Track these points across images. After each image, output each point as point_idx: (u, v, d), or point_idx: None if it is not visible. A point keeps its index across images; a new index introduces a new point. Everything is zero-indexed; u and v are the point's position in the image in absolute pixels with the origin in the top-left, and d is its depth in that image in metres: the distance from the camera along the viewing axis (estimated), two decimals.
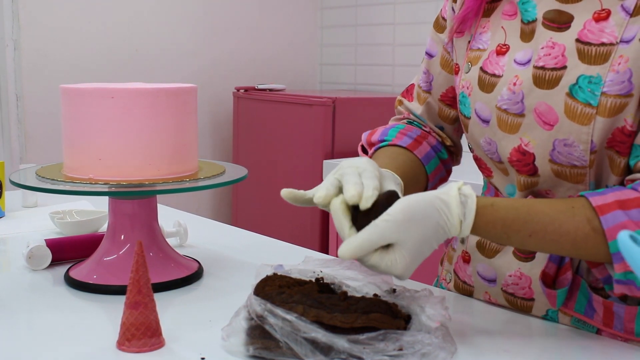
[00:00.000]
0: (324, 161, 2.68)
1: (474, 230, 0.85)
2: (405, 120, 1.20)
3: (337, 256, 0.87)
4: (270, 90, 3.20)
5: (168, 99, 1.09)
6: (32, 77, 2.84)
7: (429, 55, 1.15)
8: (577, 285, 0.96)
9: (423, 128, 1.17)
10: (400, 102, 1.22)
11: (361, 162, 0.89)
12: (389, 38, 3.26)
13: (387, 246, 0.81)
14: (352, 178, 0.85)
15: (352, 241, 0.81)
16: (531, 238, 0.86)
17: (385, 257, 0.81)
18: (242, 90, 3.21)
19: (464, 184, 0.85)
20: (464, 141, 1.21)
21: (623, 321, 0.94)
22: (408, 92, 1.21)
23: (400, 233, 0.80)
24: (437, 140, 1.16)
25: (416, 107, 1.18)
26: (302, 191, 0.89)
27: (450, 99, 1.14)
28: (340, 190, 0.86)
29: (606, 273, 0.94)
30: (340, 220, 0.83)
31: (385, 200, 0.83)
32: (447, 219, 0.82)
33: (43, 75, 2.86)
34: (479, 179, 1.13)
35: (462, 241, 1.10)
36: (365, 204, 0.82)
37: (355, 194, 0.82)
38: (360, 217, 0.82)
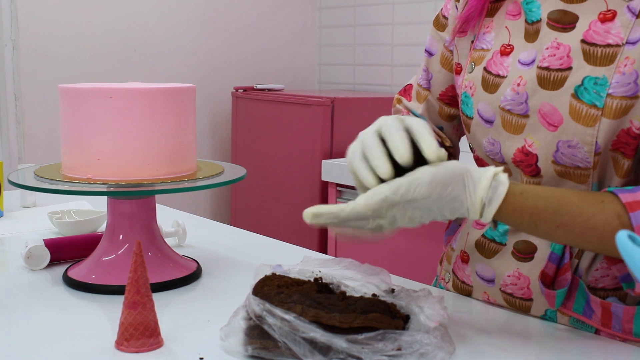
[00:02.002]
0: (323, 161, 2.68)
1: (500, 217, 0.83)
2: None
3: (335, 256, 0.87)
4: (269, 90, 3.20)
5: (167, 99, 1.09)
6: (30, 77, 2.84)
7: (429, 53, 1.15)
8: (576, 286, 0.96)
9: None
10: (399, 101, 1.21)
11: (382, 121, 0.86)
12: (387, 38, 3.26)
13: None
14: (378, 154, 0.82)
15: (374, 196, 0.80)
16: (559, 229, 0.84)
17: (405, 210, 0.80)
18: (240, 90, 3.21)
19: (503, 170, 0.84)
20: (461, 144, 1.20)
21: (621, 321, 0.94)
22: (406, 92, 1.20)
23: (422, 192, 0.79)
24: (437, 141, 1.15)
25: (416, 107, 1.17)
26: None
27: (450, 97, 1.14)
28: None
29: (625, 271, 0.93)
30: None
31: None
32: (469, 196, 0.81)
33: (41, 75, 2.85)
34: None
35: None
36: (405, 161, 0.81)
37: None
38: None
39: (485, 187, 0.81)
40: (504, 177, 0.83)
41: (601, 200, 0.85)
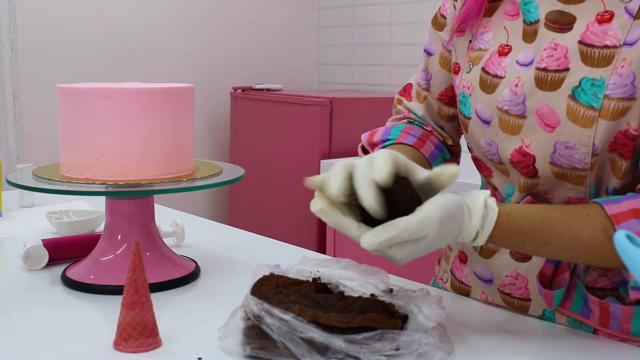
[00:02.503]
0: (321, 161, 2.68)
1: (489, 239, 0.84)
2: (405, 120, 1.18)
3: (334, 256, 0.87)
4: (268, 90, 3.20)
5: (165, 99, 1.09)
6: (29, 77, 2.84)
7: (428, 53, 1.14)
8: (574, 286, 0.96)
9: (424, 127, 1.15)
10: (400, 101, 1.20)
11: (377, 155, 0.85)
12: (386, 38, 3.26)
13: None
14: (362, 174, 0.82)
15: (381, 235, 0.77)
16: (546, 246, 0.86)
17: (405, 248, 0.79)
18: (239, 90, 3.21)
19: (490, 195, 0.84)
20: (462, 141, 1.20)
21: (619, 321, 0.94)
22: (406, 92, 1.20)
23: (432, 231, 0.78)
24: (439, 140, 1.14)
25: (417, 107, 1.16)
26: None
27: (449, 97, 1.13)
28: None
29: (621, 277, 0.94)
30: (341, 221, 0.81)
31: (402, 185, 0.80)
32: (467, 226, 0.82)
33: (40, 75, 2.85)
34: (476, 179, 1.13)
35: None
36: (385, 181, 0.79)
37: (335, 190, 0.81)
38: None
39: (480, 216, 0.83)
40: (492, 202, 0.84)
41: (587, 213, 0.85)
